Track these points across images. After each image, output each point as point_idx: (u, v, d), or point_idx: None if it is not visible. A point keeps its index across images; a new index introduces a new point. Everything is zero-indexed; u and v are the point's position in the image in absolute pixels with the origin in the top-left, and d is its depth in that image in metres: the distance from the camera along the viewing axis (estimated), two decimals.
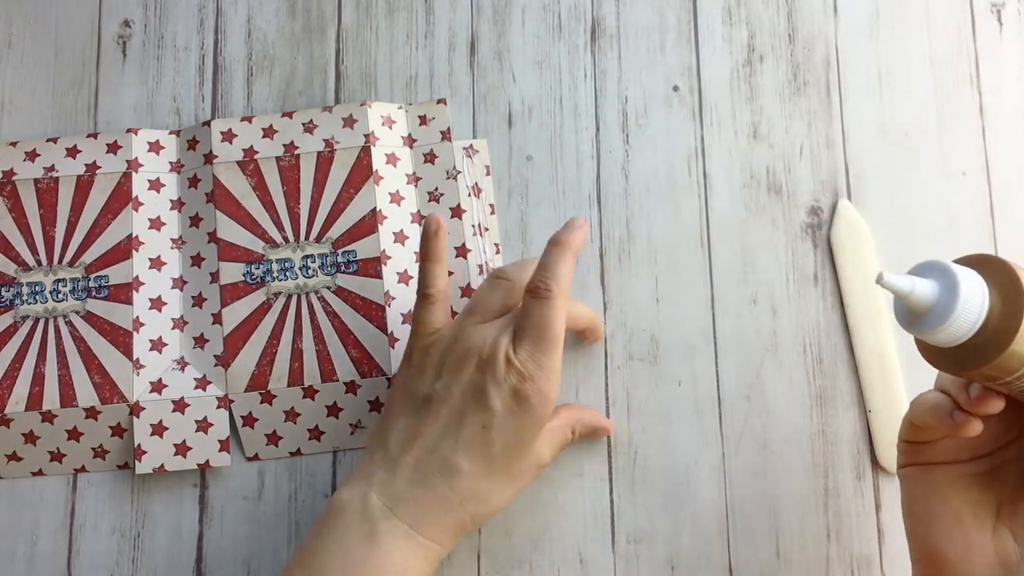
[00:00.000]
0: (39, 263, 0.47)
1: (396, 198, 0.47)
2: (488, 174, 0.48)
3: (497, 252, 0.48)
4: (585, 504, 0.45)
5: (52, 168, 0.48)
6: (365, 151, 0.47)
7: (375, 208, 0.47)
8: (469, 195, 0.48)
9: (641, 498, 0.46)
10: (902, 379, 0.46)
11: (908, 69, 0.50)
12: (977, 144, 0.49)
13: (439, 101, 0.49)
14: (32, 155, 0.48)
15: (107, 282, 0.47)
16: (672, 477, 0.46)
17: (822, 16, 0.50)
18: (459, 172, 0.48)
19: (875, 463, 0.46)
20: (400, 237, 0.47)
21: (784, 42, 0.50)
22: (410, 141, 0.49)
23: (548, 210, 0.49)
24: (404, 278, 0.47)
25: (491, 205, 0.48)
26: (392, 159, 0.48)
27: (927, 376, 0.47)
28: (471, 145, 0.48)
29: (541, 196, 0.49)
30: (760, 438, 0.46)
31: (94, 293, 0.46)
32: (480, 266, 0.47)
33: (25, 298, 0.46)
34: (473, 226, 0.48)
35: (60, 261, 0.47)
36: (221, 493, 0.46)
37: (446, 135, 0.48)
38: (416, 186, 0.48)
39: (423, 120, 0.49)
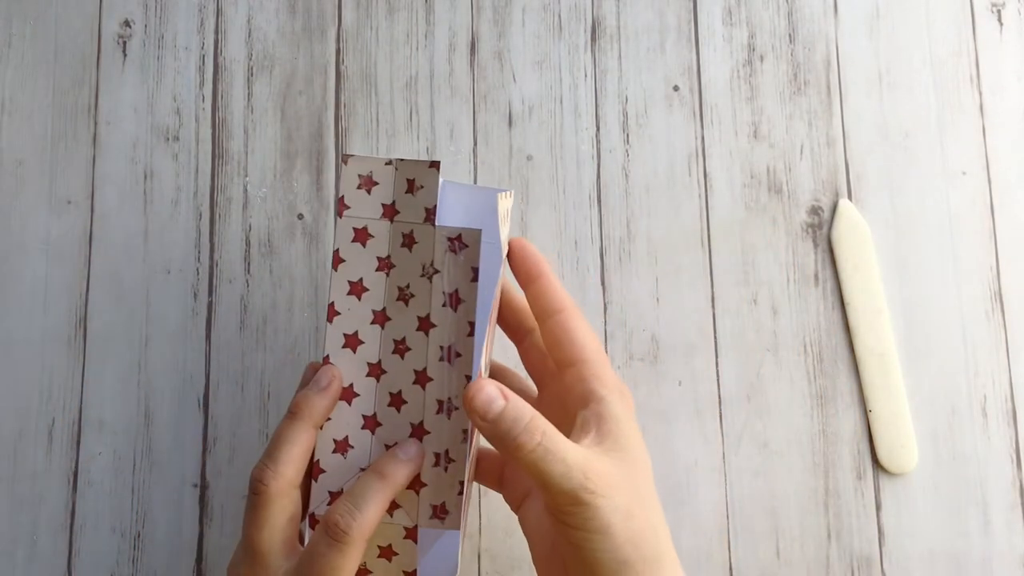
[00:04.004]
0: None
1: (358, 288, 0.38)
2: (475, 278, 0.37)
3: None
4: None
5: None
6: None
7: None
8: (444, 304, 0.37)
9: None
10: (902, 379, 0.46)
11: (908, 69, 0.50)
12: (977, 144, 0.49)
13: (431, 164, 0.37)
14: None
15: None
16: (672, 477, 0.46)
17: (822, 16, 0.50)
18: (436, 272, 0.37)
19: (875, 463, 0.46)
20: (352, 341, 0.38)
21: (784, 42, 0.50)
22: (391, 212, 0.38)
23: (548, 210, 0.49)
24: (348, 394, 0.38)
25: (470, 323, 0.37)
26: (363, 235, 0.38)
27: (927, 376, 0.47)
28: (460, 236, 0.37)
29: (541, 196, 0.49)
30: (760, 438, 0.46)
31: None
32: (441, 402, 0.37)
33: None
34: (441, 347, 0.37)
35: None
36: (221, 493, 0.46)
37: (430, 215, 0.37)
38: (388, 275, 0.38)
39: (411, 186, 0.38)
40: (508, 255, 0.41)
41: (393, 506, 0.37)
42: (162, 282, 0.48)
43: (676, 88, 0.50)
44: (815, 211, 0.48)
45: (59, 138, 0.50)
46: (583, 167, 0.49)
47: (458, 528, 0.36)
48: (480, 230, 0.36)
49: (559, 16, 0.51)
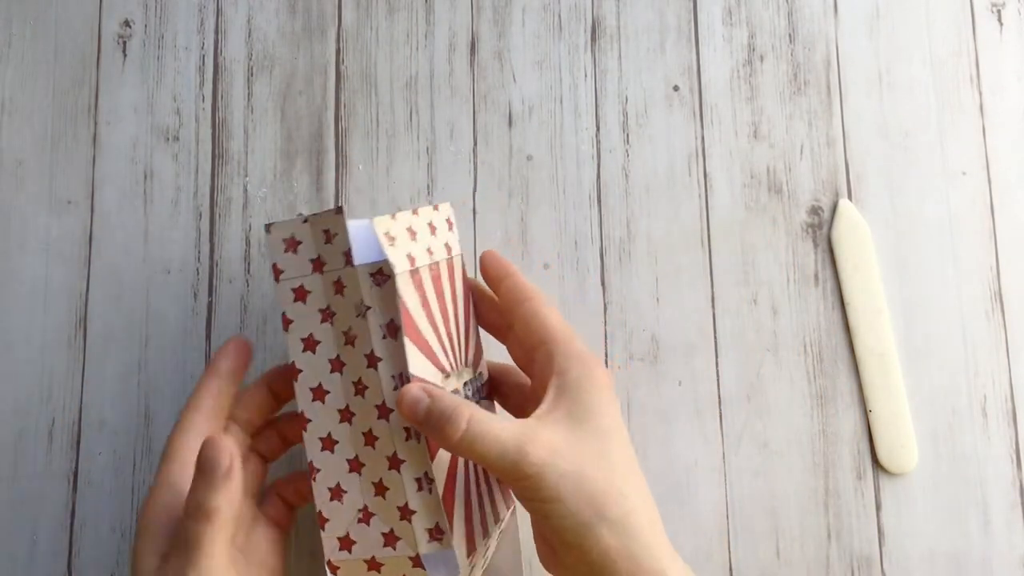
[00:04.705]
0: (451, 367, 0.40)
1: (310, 343, 0.39)
2: (403, 308, 0.37)
3: None
4: None
5: (431, 250, 0.41)
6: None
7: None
8: (384, 337, 0.37)
9: None
10: (902, 379, 0.46)
11: (908, 69, 0.50)
12: (977, 144, 0.49)
13: (337, 211, 0.37)
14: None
15: (483, 379, 0.42)
16: (672, 477, 0.46)
17: (822, 16, 0.50)
18: (368, 308, 0.37)
19: (875, 463, 0.46)
20: (319, 393, 0.39)
21: (784, 42, 0.50)
22: (319, 265, 0.38)
23: (548, 210, 0.49)
24: (328, 443, 0.39)
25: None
26: (301, 293, 0.39)
27: (927, 376, 0.47)
28: (380, 269, 0.37)
29: (541, 196, 0.49)
30: (760, 438, 0.46)
31: (482, 393, 0.42)
32: (408, 428, 0.37)
33: None
34: (392, 377, 0.37)
35: None
36: None
37: (348, 258, 0.37)
38: (332, 324, 0.38)
39: (328, 236, 0.38)
40: (480, 267, 0.42)
41: (393, 539, 0.37)
42: (162, 282, 0.48)
43: (676, 88, 0.50)
44: (815, 211, 0.48)
45: (59, 138, 0.50)
46: (583, 167, 0.49)
47: (452, 548, 0.37)
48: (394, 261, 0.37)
49: (559, 16, 0.51)
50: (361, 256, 0.37)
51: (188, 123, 0.50)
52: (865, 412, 0.46)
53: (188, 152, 0.50)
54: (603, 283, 0.48)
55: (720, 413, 0.47)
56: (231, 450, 0.36)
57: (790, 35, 0.50)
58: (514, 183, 0.49)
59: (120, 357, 0.47)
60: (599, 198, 0.49)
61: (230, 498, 0.35)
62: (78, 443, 0.47)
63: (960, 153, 0.49)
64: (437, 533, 0.37)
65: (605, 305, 0.48)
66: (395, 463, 0.37)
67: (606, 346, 0.47)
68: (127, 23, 0.51)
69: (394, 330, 0.37)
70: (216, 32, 0.51)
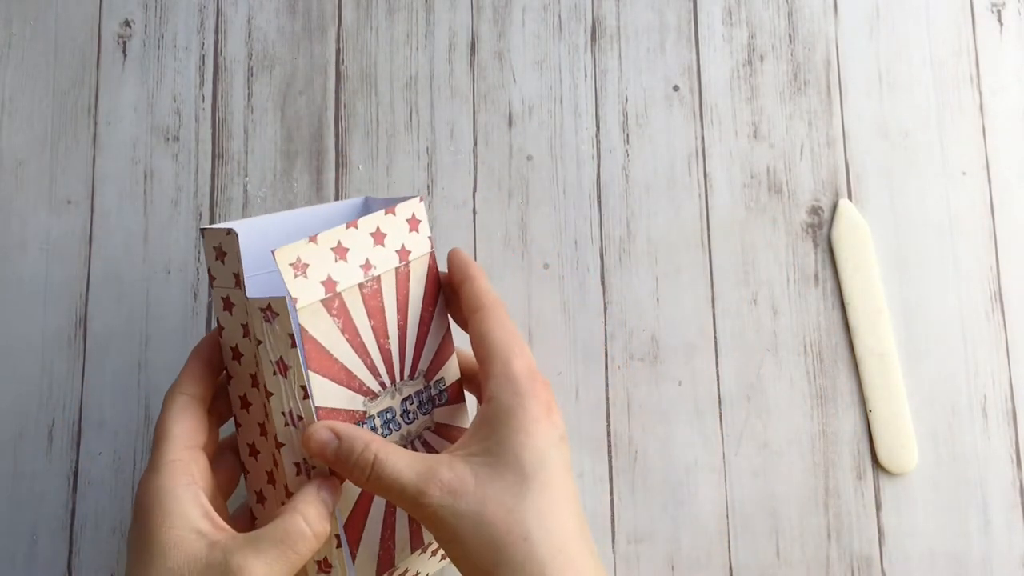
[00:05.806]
0: (384, 385, 0.38)
1: (236, 354, 0.38)
2: (294, 344, 0.34)
3: None
4: (585, 504, 0.46)
5: (369, 265, 0.37)
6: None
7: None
8: (275, 373, 0.35)
9: (641, 498, 0.46)
10: (902, 379, 0.46)
11: (908, 69, 0.50)
12: (977, 144, 0.49)
13: (228, 232, 0.35)
14: (341, 250, 0.37)
15: (444, 385, 0.41)
16: (672, 477, 0.46)
17: (822, 16, 0.50)
18: (260, 342, 0.35)
19: (875, 463, 0.46)
20: (245, 403, 0.39)
21: (784, 42, 0.50)
22: (239, 280, 0.37)
23: (548, 210, 0.49)
24: (254, 451, 0.39)
25: (303, 387, 0.35)
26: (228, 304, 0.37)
27: (927, 376, 0.47)
28: (269, 306, 0.35)
29: (541, 196, 0.49)
30: (760, 438, 0.46)
31: (437, 401, 0.40)
32: (298, 464, 0.36)
33: (380, 431, 0.38)
34: (283, 414, 0.36)
35: (403, 376, 0.39)
36: None
37: (240, 281, 0.36)
38: (250, 340, 0.37)
39: (238, 256, 0.36)
40: (447, 267, 0.40)
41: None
42: (162, 282, 0.48)
43: (676, 88, 0.50)
44: (815, 211, 0.48)
45: (59, 138, 0.50)
46: (583, 167, 0.49)
47: None
48: (284, 297, 0.34)
49: (559, 16, 0.51)
50: (258, 287, 0.36)
51: (188, 123, 0.50)
52: (865, 412, 0.46)
53: (188, 152, 0.50)
54: (603, 283, 0.48)
55: (720, 413, 0.47)
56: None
57: (790, 35, 0.50)
58: (514, 183, 0.49)
59: (120, 357, 0.47)
60: (599, 198, 0.49)
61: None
62: (78, 443, 0.47)
63: (960, 153, 0.49)
64: (325, 567, 0.36)
65: (605, 305, 0.48)
66: (288, 493, 0.37)
67: (606, 346, 0.47)
68: (127, 23, 0.51)
69: (283, 368, 0.35)
70: (216, 32, 0.51)
